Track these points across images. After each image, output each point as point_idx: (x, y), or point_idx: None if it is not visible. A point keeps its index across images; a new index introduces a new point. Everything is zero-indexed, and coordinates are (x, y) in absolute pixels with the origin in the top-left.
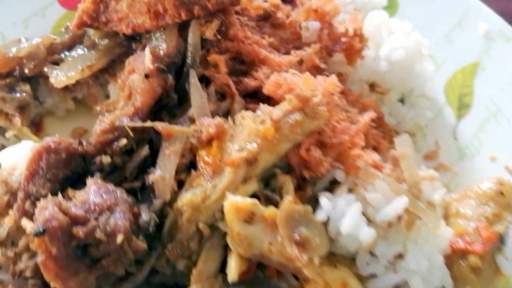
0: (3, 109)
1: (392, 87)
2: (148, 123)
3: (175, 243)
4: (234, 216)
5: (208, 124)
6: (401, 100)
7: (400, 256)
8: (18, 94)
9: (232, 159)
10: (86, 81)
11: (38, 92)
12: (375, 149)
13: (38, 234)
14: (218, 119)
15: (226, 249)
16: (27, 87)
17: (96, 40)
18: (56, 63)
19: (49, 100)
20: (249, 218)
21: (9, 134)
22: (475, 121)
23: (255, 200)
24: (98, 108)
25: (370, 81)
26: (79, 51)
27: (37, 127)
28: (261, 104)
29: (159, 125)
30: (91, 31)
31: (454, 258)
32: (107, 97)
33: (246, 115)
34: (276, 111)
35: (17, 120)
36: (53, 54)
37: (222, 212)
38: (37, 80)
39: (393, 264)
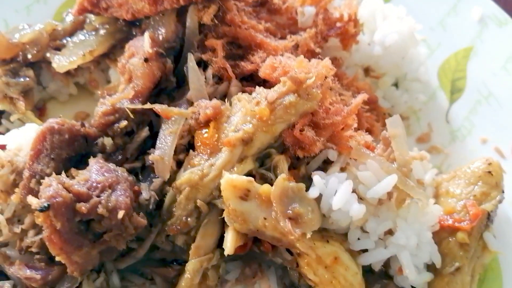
0: (8, 93)
1: (386, 72)
2: (147, 105)
3: (175, 219)
4: (230, 193)
5: (206, 106)
6: (395, 84)
7: (390, 232)
8: (22, 79)
9: (229, 139)
10: (87, 66)
11: (41, 77)
12: (369, 131)
13: (43, 210)
14: (215, 101)
15: (223, 225)
16: (30, 72)
17: (97, 25)
18: (59, 49)
19: (52, 85)
20: (245, 195)
21: (13, 117)
22: (467, 104)
23: (250, 178)
24: (99, 92)
25: (365, 65)
26: (81, 36)
27: (40, 112)
28: (257, 87)
29: (158, 107)
30: (92, 17)
31: (443, 234)
32: (108, 82)
33: (242, 97)
34: (271, 93)
35: (21, 104)
36: (55, 40)
37: (219, 190)
38: (39, 65)
39: (383, 239)
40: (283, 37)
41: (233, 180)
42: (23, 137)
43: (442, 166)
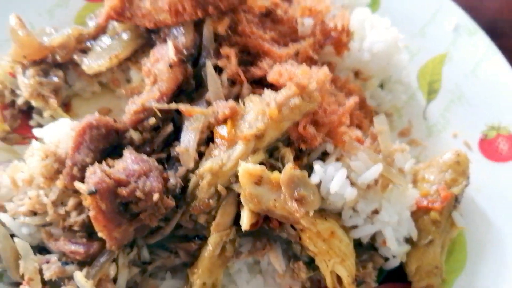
0: (41, 91)
1: (373, 75)
2: (173, 105)
3: (198, 201)
4: (246, 179)
5: (224, 106)
6: (381, 85)
7: (376, 212)
8: (53, 79)
9: (244, 134)
10: (110, 67)
11: (68, 77)
12: (359, 127)
13: (91, 193)
14: (231, 102)
15: (238, 206)
16: (60, 73)
17: (120, 31)
18: (84, 51)
19: (77, 84)
20: (258, 180)
21: (46, 114)
22: (442, 103)
23: (263, 167)
24: (123, 91)
25: (355, 69)
26: (105, 40)
27: (66, 107)
28: (265, 89)
29: (182, 107)
30: (115, 23)
31: (419, 214)
32: (128, 81)
33: (254, 98)
34: (279, 96)
35: (53, 101)
36: (80, 43)
37: (235, 176)
38: (66, 66)
39: (370, 217)
40: (285, 44)
41: (249, 168)
42: (58, 131)
43: (420, 156)
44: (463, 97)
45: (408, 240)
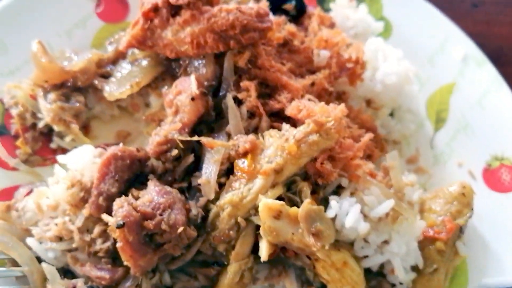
0: (62, 116)
1: (384, 104)
2: (195, 138)
3: (218, 231)
4: (266, 214)
5: (244, 141)
6: (391, 114)
7: (386, 242)
8: (74, 104)
9: (264, 169)
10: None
11: (87, 100)
12: (370, 156)
13: (119, 226)
14: (251, 136)
15: (256, 236)
16: (81, 98)
17: (139, 58)
18: (104, 76)
19: (97, 107)
20: (278, 215)
21: (68, 138)
22: (449, 133)
23: (282, 202)
24: (143, 117)
25: (367, 98)
26: (125, 66)
27: (85, 129)
28: (284, 123)
29: (204, 140)
30: (135, 49)
31: (425, 243)
32: (147, 105)
33: (274, 133)
34: (298, 133)
35: (75, 126)
36: (100, 68)
37: (255, 209)
38: (87, 89)
39: (380, 247)
40: (301, 74)
41: (269, 203)
42: (82, 158)
43: (426, 184)
44: (469, 127)
45: (415, 268)
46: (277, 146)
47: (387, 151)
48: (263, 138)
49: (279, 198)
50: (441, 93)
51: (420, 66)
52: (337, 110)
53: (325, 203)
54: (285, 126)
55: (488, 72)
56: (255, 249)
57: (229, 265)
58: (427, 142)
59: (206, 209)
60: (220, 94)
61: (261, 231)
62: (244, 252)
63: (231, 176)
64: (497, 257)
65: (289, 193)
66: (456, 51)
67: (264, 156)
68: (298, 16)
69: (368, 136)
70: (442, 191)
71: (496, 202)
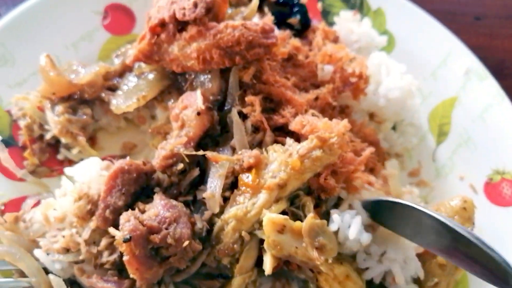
0: (70, 129)
1: (387, 118)
2: (201, 152)
3: (223, 245)
4: (270, 228)
5: (249, 155)
6: (393, 128)
7: (385, 252)
8: (83, 116)
9: (268, 184)
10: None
11: (94, 112)
12: (372, 170)
13: (126, 240)
14: (256, 151)
15: (260, 249)
16: (88, 111)
17: (146, 71)
18: (111, 88)
19: (103, 119)
20: (281, 229)
21: (75, 150)
22: (451, 146)
23: (286, 216)
24: (149, 130)
25: (370, 111)
26: (131, 79)
27: (91, 141)
28: (288, 138)
29: (210, 154)
30: (141, 64)
31: (426, 257)
32: (152, 117)
33: (277, 148)
34: (302, 148)
35: (82, 138)
36: (107, 80)
37: (259, 223)
38: (93, 102)
39: (380, 258)
40: (305, 88)
41: (273, 217)
42: (89, 170)
43: (428, 197)
44: (471, 141)
45: (416, 281)
46: (281, 161)
47: None
48: (267, 152)
49: (283, 212)
50: (443, 107)
51: (422, 80)
52: (340, 125)
53: (326, 216)
54: (289, 141)
55: (490, 86)
56: (259, 262)
57: (233, 278)
58: (429, 156)
59: (210, 222)
60: (225, 108)
61: (265, 245)
62: (248, 266)
63: (235, 190)
64: None
65: (293, 208)
66: (459, 65)
67: (268, 171)
68: (303, 30)
69: (369, 150)
70: (443, 205)
71: (497, 216)
